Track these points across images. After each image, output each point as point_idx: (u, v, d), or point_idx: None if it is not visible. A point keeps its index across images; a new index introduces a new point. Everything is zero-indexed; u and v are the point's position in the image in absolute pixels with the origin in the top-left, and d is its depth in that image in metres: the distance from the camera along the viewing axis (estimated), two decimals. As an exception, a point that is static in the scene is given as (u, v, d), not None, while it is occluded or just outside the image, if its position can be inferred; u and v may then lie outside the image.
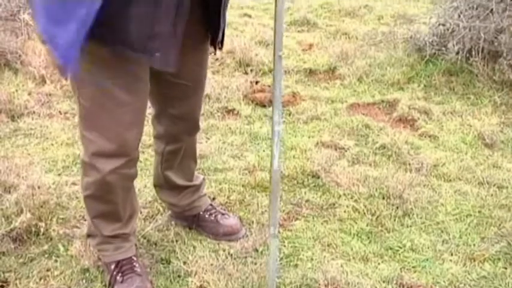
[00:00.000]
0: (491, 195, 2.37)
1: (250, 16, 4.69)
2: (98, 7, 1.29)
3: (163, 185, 2.04)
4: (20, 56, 3.34)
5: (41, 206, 2.12)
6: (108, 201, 1.72)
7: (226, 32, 1.72)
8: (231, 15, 4.43)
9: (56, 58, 1.33)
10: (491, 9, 3.22)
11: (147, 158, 2.52)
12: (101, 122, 1.57)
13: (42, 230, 2.02)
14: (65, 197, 2.24)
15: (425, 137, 2.85)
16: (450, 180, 2.48)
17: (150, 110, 1.85)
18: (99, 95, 1.53)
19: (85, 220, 2.04)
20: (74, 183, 2.33)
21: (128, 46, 1.42)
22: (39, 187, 2.23)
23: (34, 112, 2.93)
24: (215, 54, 1.80)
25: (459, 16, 3.41)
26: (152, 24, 1.40)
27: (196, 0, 1.54)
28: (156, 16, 1.40)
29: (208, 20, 1.65)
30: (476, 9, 3.35)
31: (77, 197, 2.24)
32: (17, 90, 3.10)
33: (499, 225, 2.17)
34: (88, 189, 1.70)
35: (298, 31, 4.46)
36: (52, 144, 2.67)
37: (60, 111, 2.97)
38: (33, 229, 2.03)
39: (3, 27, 3.43)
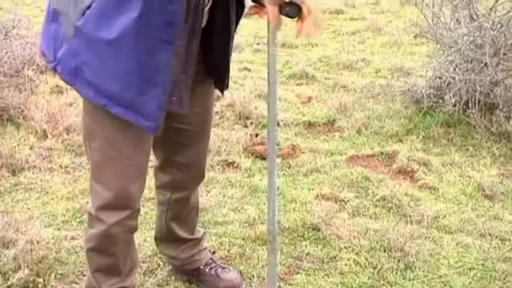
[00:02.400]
0: (494, 247, 2.35)
1: (249, 70, 4.78)
2: (172, 67, 1.43)
3: (164, 237, 2.04)
4: (22, 111, 3.39)
5: (40, 262, 2.10)
6: (110, 254, 1.72)
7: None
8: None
9: (142, 123, 1.48)
10: (486, 63, 3.28)
11: (147, 211, 2.52)
12: (106, 175, 1.60)
13: (40, 286, 2.00)
14: (64, 251, 2.23)
15: (425, 188, 2.85)
16: (451, 233, 2.47)
17: (151, 163, 1.87)
18: (107, 148, 1.58)
19: (84, 275, 2.02)
20: (73, 238, 2.32)
21: None
22: (38, 242, 2.22)
23: (35, 166, 2.94)
24: (222, 95, 1.83)
25: (455, 69, 3.48)
26: (179, 73, 1.48)
27: (201, 47, 1.58)
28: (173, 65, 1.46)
29: (213, 65, 1.70)
30: (471, 62, 3.41)
31: (76, 252, 2.23)
32: (18, 145, 3.12)
33: (504, 279, 2.15)
34: (91, 241, 1.71)
35: (297, 84, 4.53)
36: (52, 199, 2.67)
37: (60, 165, 2.98)
38: (31, 285, 2.01)
39: (8, 84, 3.49)
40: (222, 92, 1.78)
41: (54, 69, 1.53)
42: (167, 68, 1.43)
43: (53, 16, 1.55)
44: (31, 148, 3.10)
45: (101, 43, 1.42)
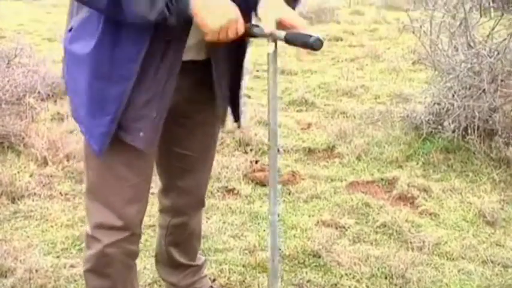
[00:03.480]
0: (497, 274, 2.34)
1: (249, 97, 4.81)
2: (125, 101, 1.44)
3: (165, 261, 2.03)
4: (23, 138, 3.40)
5: (38, 290, 2.09)
6: (106, 276, 1.68)
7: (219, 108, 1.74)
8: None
9: (91, 144, 1.52)
10: (484, 90, 3.31)
11: (147, 238, 2.51)
12: (102, 194, 1.61)
13: (38, 315, 1.98)
14: (63, 280, 2.21)
15: (425, 214, 2.84)
16: (453, 259, 2.45)
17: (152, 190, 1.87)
18: (103, 168, 1.58)
19: (82, 304, 2.00)
20: (72, 266, 2.30)
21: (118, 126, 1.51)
22: (36, 270, 2.20)
23: (35, 194, 2.94)
24: (239, 127, 1.84)
25: (453, 96, 3.50)
26: (140, 107, 1.48)
27: (203, 77, 1.59)
28: (144, 100, 1.48)
29: (221, 94, 1.68)
30: (469, 89, 3.44)
31: (75, 280, 2.21)
32: (18, 172, 3.13)
33: (506, 305, 2.13)
34: (88, 262, 1.69)
35: (297, 110, 4.55)
36: (51, 226, 2.66)
37: (60, 193, 2.98)
38: (29, 314, 1.98)
39: (9, 111, 3.51)
40: (236, 121, 1.77)
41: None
42: (121, 100, 1.45)
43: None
44: (31, 175, 3.10)
45: (71, 57, 1.50)
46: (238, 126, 1.81)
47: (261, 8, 1.46)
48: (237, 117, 1.76)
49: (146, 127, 1.50)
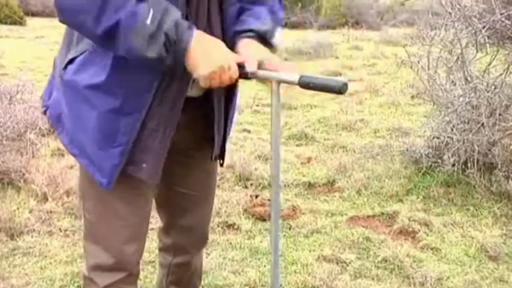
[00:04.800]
0: (500, 310, 2.31)
1: (249, 131, 4.84)
2: (136, 132, 1.43)
3: None
4: (23, 174, 3.40)
5: (35, 329, 2.06)
6: None
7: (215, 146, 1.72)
8: (231, 131, 4.56)
9: (97, 178, 1.48)
10: (482, 123, 3.33)
11: (147, 275, 2.48)
12: (100, 235, 1.58)
13: None
14: (60, 318, 2.18)
15: (427, 249, 2.82)
16: (456, 295, 2.42)
17: (151, 225, 1.86)
18: (100, 207, 1.56)
19: None
20: (70, 304, 2.27)
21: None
22: (34, 308, 2.17)
23: (34, 230, 2.92)
24: (222, 166, 1.82)
25: (452, 130, 3.52)
26: (144, 138, 1.46)
27: (202, 113, 1.59)
28: (148, 131, 1.46)
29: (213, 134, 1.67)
30: (468, 123, 3.46)
31: (73, 318, 2.18)
32: (18, 208, 3.12)
33: None
34: None
35: (297, 145, 4.57)
36: (50, 263, 2.64)
37: (60, 229, 2.96)
38: None
39: (10, 147, 3.52)
40: (221, 163, 1.74)
41: (45, 113, 1.60)
42: (131, 132, 1.43)
43: (54, 65, 1.60)
44: (31, 211, 3.09)
45: (75, 93, 1.45)
46: (221, 165, 1.76)
47: (242, 48, 1.45)
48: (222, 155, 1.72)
49: (150, 158, 1.48)
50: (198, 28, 1.37)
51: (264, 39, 1.49)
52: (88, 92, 1.43)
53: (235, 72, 1.38)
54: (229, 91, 1.61)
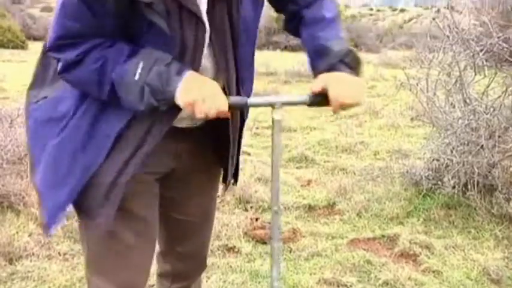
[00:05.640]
0: (503, 334, 2.28)
1: (249, 154, 4.84)
2: (90, 175, 1.39)
3: None
4: (23, 197, 3.39)
5: None
6: None
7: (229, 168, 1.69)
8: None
9: (43, 216, 1.45)
10: (482, 145, 3.33)
11: (146, 300, 2.46)
12: (108, 266, 1.53)
13: None
14: None
15: (428, 272, 2.80)
16: (458, 319, 2.40)
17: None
18: (107, 238, 1.50)
19: None
20: (69, 329, 2.25)
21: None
22: (32, 334, 2.15)
23: (33, 254, 2.90)
24: (225, 191, 1.80)
25: (452, 152, 3.53)
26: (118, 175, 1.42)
27: (208, 139, 1.59)
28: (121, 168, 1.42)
29: (221, 159, 1.65)
30: (468, 145, 3.47)
31: None
32: (17, 232, 3.10)
33: None
34: None
35: (297, 167, 4.57)
36: (49, 287, 2.61)
37: (59, 253, 2.94)
38: None
39: (10, 171, 3.52)
40: (226, 188, 1.71)
41: None
42: (86, 173, 1.40)
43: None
44: (30, 235, 3.08)
45: (43, 127, 1.45)
46: (226, 189, 1.74)
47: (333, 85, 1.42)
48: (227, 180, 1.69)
49: (118, 192, 1.42)
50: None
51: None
52: (54, 120, 1.42)
53: (222, 104, 1.34)
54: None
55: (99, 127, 1.39)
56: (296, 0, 1.56)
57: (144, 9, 1.27)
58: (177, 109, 1.35)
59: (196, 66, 1.38)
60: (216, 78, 1.42)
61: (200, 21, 1.36)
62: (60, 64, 1.35)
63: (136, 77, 1.29)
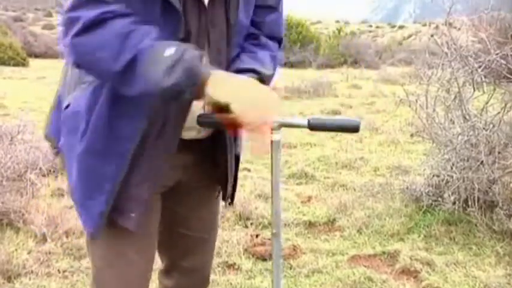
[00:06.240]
0: None
1: (249, 170, 4.84)
2: (120, 179, 1.40)
3: None
4: (23, 214, 3.39)
5: None
6: None
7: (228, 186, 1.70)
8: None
9: (88, 226, 1.46)
10: (482, 161, 3.33)
11: (145, 318, 2.44)
12: (110, 283, 1.54)
13: None
14: None
15: (430, 289, 2.78)
16: (460, 336, 2.38)
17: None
18: (110, 254, 1.52)
19: None
20: None
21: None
22: None
23: (32, 271, 2.89)
24: (226, 207, 1.80)
25: (452, 168, 3.53)
26: (132, 187, 1.43)
27: (210, 153, 1.58)
28: (137, 180, 1.43)
29: (219, 175, 1.64)
30: (467, 161, 3.47)
31: None
32: (16, 250, 3.09)
33: None
34: None
35: (297, 183, 4.56)
36: (48, 305, 2.60)
37: (58, 270, 2.93)
38: None
39: (10, 188, 3.52)
40: (226, 204, 1.70)
41: (57, 155, 1.57)
42: (116, 179, 1.40)
43: (58, 102, 1.58)
44: (29, 253, 3.07)
45: (70, 136, 1.45)
46: (230, 204, 1.72)
47: None
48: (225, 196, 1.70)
49: (137, 207, 1.44)
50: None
51: (264, 82, 1.49)
52: (79, 141, 1.42)
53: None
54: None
55: (117, 126, 1.39)
56: (259, 27, 1.57)
57: None
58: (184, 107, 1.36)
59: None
60: None
61: (202, 7, 1.37)
62: (77, 26, 1.29)
63: (168, 53, 1.24)
